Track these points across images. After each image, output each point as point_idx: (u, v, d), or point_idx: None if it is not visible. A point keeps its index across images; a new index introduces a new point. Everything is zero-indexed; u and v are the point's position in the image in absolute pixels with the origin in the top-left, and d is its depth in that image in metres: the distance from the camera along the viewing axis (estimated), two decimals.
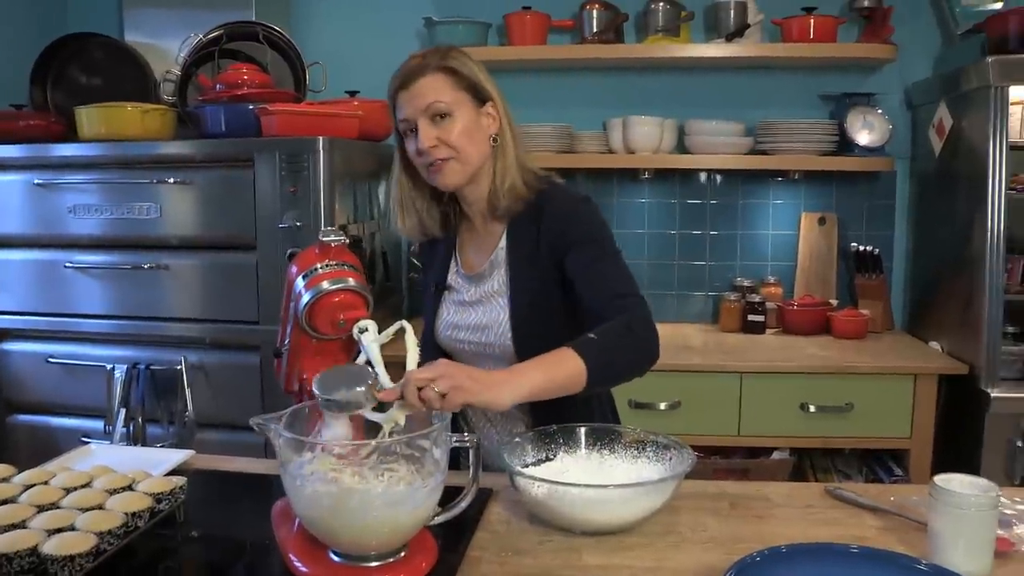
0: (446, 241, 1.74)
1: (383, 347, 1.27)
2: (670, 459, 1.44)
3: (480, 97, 1.57)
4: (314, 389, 1.19)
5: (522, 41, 3.00)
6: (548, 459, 1.51)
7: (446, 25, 3.02)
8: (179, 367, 2.56)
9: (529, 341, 1.55)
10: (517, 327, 1.59)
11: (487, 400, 1.28)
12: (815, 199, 3.15)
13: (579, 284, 1.54)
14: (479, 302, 1.66)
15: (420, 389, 1.21)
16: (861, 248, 3.03)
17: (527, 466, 1.45)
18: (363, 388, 1.19)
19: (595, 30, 3.00)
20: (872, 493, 1.47)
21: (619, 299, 1.50)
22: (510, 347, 1.59)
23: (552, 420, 1.54)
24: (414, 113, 1.53)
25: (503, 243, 1.64)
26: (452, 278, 1.72)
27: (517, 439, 1.49)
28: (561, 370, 1.36)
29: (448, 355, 1.69)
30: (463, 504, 1.22)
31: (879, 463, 2.70)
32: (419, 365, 1.29)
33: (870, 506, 1.41)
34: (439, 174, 1.55)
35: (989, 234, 2.46)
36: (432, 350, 1.69)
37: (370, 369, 1.25)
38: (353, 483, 1.15)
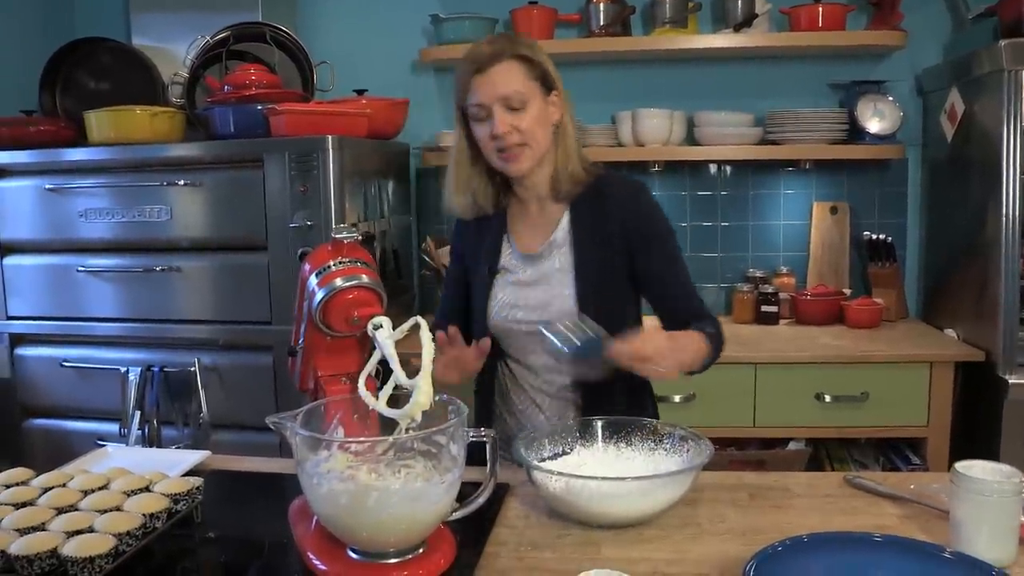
0: (495, 227, 1.76)
1: (397, 343, 1.26)
2: (687, 451, 1.44)
3: (547, 85, 1.64)
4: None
5: (528, 36, 2.98)
6: (565, 453, 1.50)
7: (453, 21, 3.02)
8: (193, 369, 2.56)
9: (593, 318, 1.60)
10: (583, 303, 1.64)
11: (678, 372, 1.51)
12: (826, 188, 3.13)
13: (657, 281, 1.68)
14: (538, 281, 1.69)
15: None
16: (874, 237, 3.01)
17: (544, 460, 1.45)
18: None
19: (602, 23, 2.99)
20: (891, 482, 1.46)
21: (698, 303, 1.69)
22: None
23: (602, 405, 1.63)
24: (490, 99, 1.59)
25: (565, 224, 1.69)
26: (506, 260, 1.75)
27: (534, 433, 1.49)
28: (702, 352, 1.58)
29: (498, 338, 1.74)
30: (481, 499, 1.21)
31: (896, 452, 2.68)
32: (433, 360, 1.28)
33: (890, 495, 1.40)
34: (513, 162, 1.63)
35: (1004, 219, 2.44)
36: (482, 334, 1.71)
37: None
38: (370, 480, 1.15)
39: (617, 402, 1.64)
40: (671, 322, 1.65)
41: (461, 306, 1.83)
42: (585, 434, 1.52)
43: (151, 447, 2.56)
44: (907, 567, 1.04)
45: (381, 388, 1.24)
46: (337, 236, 1.29)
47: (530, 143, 1.61)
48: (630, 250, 1.66)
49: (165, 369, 2.61)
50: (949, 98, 2.74)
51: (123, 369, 2.63)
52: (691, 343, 1.57)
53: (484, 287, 1.74)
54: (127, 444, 2.54)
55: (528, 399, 1.76)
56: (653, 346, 1.48)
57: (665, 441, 1.48)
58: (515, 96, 1.58)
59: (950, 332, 2.76)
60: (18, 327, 2.78)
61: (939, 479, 1.40)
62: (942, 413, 2.53)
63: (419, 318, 1.24)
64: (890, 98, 2.90)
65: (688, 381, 2.53)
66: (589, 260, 1.66)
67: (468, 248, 1.82)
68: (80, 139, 2.78)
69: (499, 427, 1.78)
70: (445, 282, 1.90)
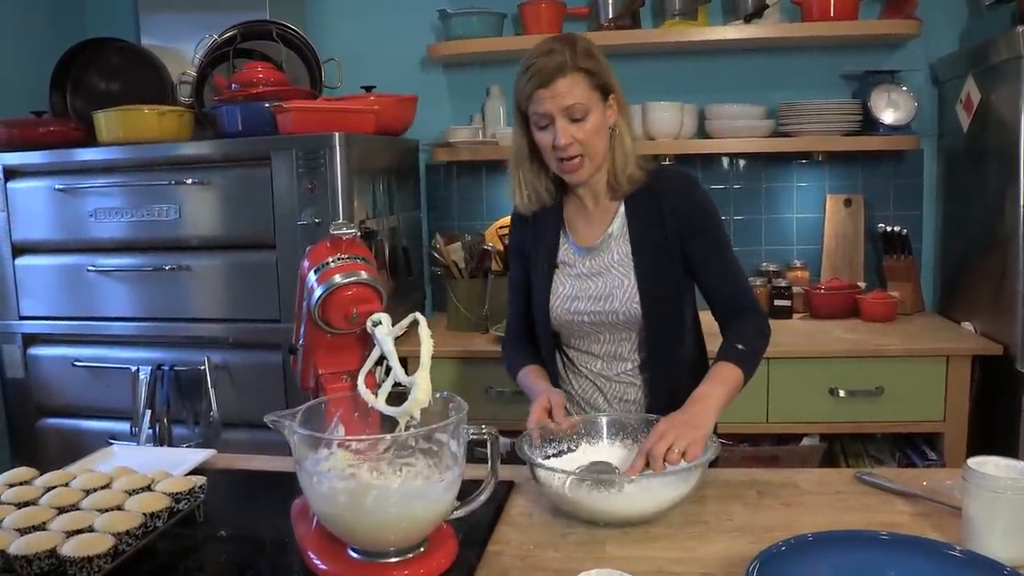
0: (552, 222, 1.80)
1: (397, 340, 1.25)
2: None
3: (606, 92, 1.67)
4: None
5: (537, 30, 2.96)
6: (570, 450, 1.49)
7: (461, 17, 3.00)
8: (203, 367, 2.56)
9: (655, 305, 1.69)
10: (644, 292, 1.69)
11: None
12: (840, 180, 3.09)
13: (707, 271, 1.71)
14: (598, 273, 1.74)
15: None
16: (888, 229, 2.97)
17: (548, 457, 1.43)
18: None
19: (611, 16, 2.97)
20: (904, 478, 1.44)
21: (745, 292, 1.72)
22: (636, 311, 1.70)
23: (666, 386, 1.71)
24: (553, 110, 1.62)
25: (621, 217, 1.74)
26: (564, 254, 1.79)
27: (539, 429, 1.47)
28: (734, 386, 1.58)
29: (558, 330, 1.80)
30: (482, 498, 1.20)
31: (912, 447, 2.64)
32: (433, 356, 1.27)
33: (902, 491, 1.38)
34: (573, 173, 1.68)
35: (1022, 209, 2.39)
36: (544, 326, 1.78)
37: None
38: (370, 479, 1.14)
39: (681, 384, 1.65)
40: (717, 312, 1.72)
41: (530, 308, 1.86)
42: (590, 431, 1.50)
43: (162, 446, 2.56)
44: (917, 566, 1.02)
45: (381, 385, 1.23)
46: (336, 232, 1.28)
47: (589, 153, 1.66)
48: (681, 238, 1.69)
49: (175, 368, 2.61)
50: (965, 87, 2.70)
51: (134, 368, 2.63)
52: (720, 402, 1.53)
53: (544, 281, 1.78)
54: (138, 443, 2.55)
55: (589, 383, 1.81)
56: (667, 438, 1.40)
57: None
58: (577, 107, 1.62)
59: (967, 325, 2.71)
60: (31, 327, 2.79)
61: (953, 475, 1.37)
62: (959, 408, 2.49)
63: (418, 314, 1.23)
64: (904, 88, 2.86)
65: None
66: (646, 250, 1.70)
67: (528, 244, 1.85)
68: (90, 139, 2.78)
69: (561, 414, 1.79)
70: (510, 286, 1.92)
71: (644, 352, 1.74)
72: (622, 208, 1.74)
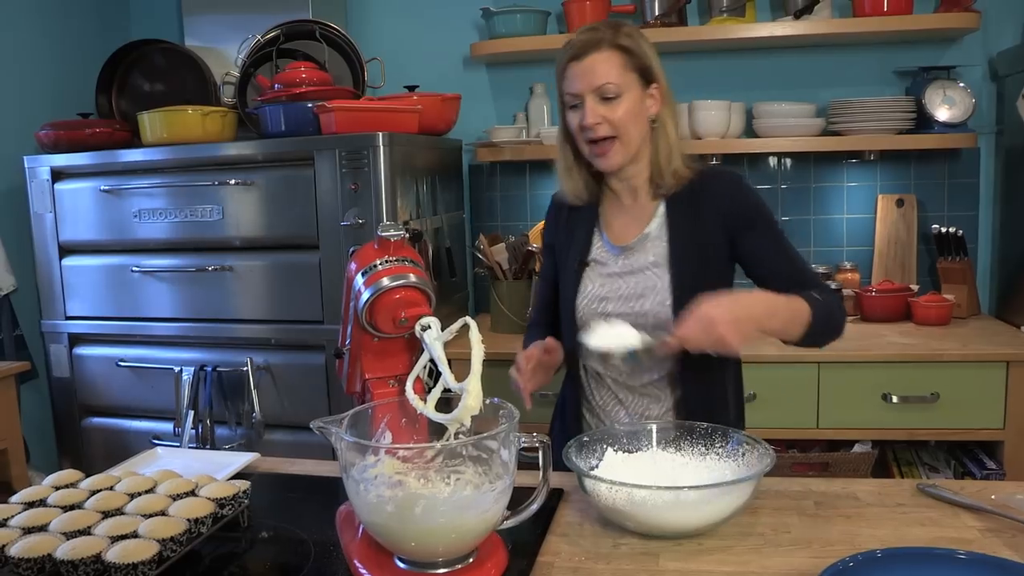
0: (587, 219, 1.73)
1: (446, 344, 1.22)
2: (742, 455, 1.37)
3: (647, 78, 1.59)
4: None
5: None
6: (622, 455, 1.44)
7: (504, 15, 2.97)
8: (245, 368, 2.56)
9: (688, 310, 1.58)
10: (678, 296, 1.60)
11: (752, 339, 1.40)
12: (892, 180, 3.01)
13: (765, 261, 1.62)
14: (631, 273, 1.66)
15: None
16: (943, 230, 2.89)
17: (594, 468, 1.39)
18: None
19: (657, 14, 2.92)
20: (970, 491, 1.37)
21: (812, 276, 1.62)
22: (668, 315, 1.60)
23: (688, 399, 1.63)
24: (583, 89, 1.56)
25: (660, 217, 1.65)
26: (597, 252, 1.72)
27: (586, 437, 1.43)
28: (798, 313, 1.48)
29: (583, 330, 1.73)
30: (534, 507, 1.16)
31: (969, 455, 2.56)
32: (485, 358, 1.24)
33: (969, 505, 1.32)
34: (603, 157, 1.60)
35: None
36: (569, 325, 1.71)
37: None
38: (418, 487, 1.11)
39: (713, 405, 1.60)
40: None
41: (556, 301, 1.80)
42: (632, 439, 1.45)
43: (204, 446, 2.56)
44: None
45: (430, 391, 1.20)
46: (383, 234, 1.25)
47: (621, 137, 1.57)
48: (731, 237, 1.61)
49: (218, 369, 2.61)
50: None
51: (177, 368, 2.64)
52: (771, 302, 1.47)
53: (573, 278, 1.72)
54: (181, 443, 2.55)
55: (611, 395, 1.72)
56: (711, 315, 1.38)
57: (717, 445, 1.41)
58: (609, 87, 1.54)
59: None
60: (77, 327, 2.81)
61: (1022, 488, 1.31)
62: (1020, 415, 2.40)
63: (468, 319, 1.19)
64: (961, 84, 2.77)
65: (751, 380, 2.48)
66: (685, 254, 1.62)
67: (559, 240, 1.80)
68: (135, 140, 2.80)
69: (583, 428, 1.75)
70: (540, 277, 1.89)
71: (674, 362, 1.63)
72: (662, 207, 1.65)
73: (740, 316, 1.39)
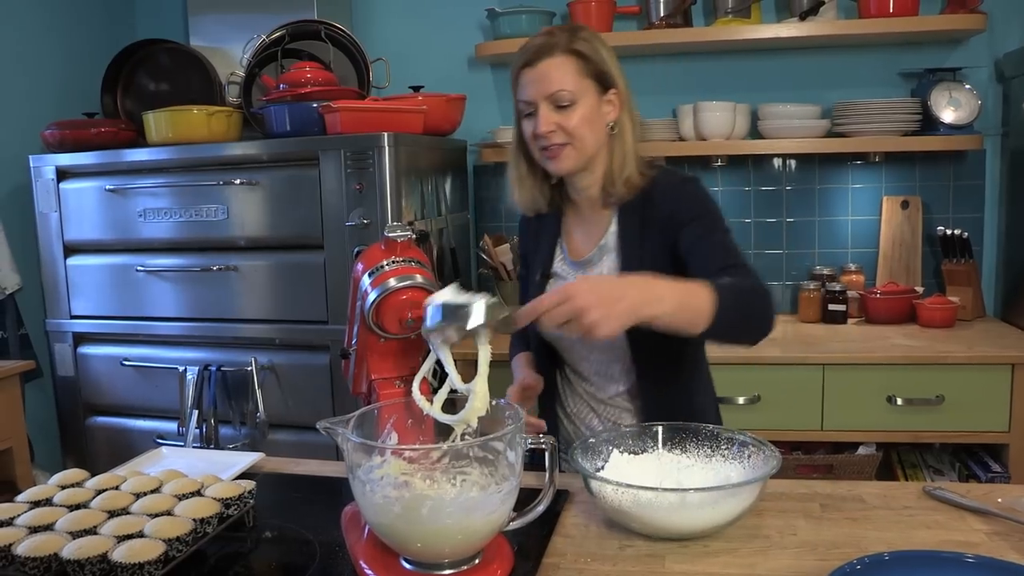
0: (551, 230, 1.70)
1: (453, 345, 1.22)
2: (748, 457, 1.36)
3: (604, 83, 1.54)
4: (428, 301, 1.14)
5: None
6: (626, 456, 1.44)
7: (509, 16, 2.97)
8: (249, 368, 2.56)
9: (640, 328, 1.45)
10: None
11: (620, 322, 1.20)
12: (897, 182, 3.01)
13: (691, 257, 1.50)
14: None
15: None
16: (948, 232, 2.88)
17: (599, 469, 1.38)
18: (487, 300, 1.11)
19: (662, 14, 2.92)
20: (976, 494, 1.37)
21: (735, 268, 1.44)
22: (622, 335, 1.52)
23: (659, 413, 1.53)
24: (536, 96, 1.51)
25: (613, 228, 1.60)
26: (558, 266, 1.69)
27: (591, 439, 1.43)
28: (694, 301, 1.29)
29: (552, 345, 1.69)
30: (540, 508, 1.16)
31: (974, 458, 2.56)
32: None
33: (976, 508, 1.31)
34: (554, 160, 1.54)
35: None
36: (536, 340, 1.69)
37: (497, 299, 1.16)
38: (424, 488, 1.11)
39: (675, 410, 1.55)
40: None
41: None
42: (637, 440, 1.45)
43: (208, 446, 2.57)
44: None
45: (436, 392, 1.20)
46: (390, 235, 1.25)
47: (575, 143, 1.52)
48: (675, 239, 1.52)
49: (222, 368, 2.61)
50: None
51: (181, 368, 2.64)
52: (655, 286, 1.26)
53: (537, 291, 1.68)
54: (185, 443, 2.56)
55: (584, 404, 1.71)
56: (573, 290, 1.19)
57: (723, 447, 1.41)
58: (563, 94, 1.49)
59: None
60: (81, 326, 2.82)
61: None
62: None
63: None
64: (967, 86, 2.77)
65: (754, 382, 2.49)
66: (635, 265, 1.55)
67: (528, 249, 1.77)
68: (140, 140, 2.81)
69: (560, 432, 1.74)
70: (520, 288, 1.84)
71: (634, 375, 1.61)
72: (616, 218, 1.60)
73: (608, 297, 1.20)
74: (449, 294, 1.15)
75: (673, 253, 1.53)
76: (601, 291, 1.21)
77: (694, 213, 1.52)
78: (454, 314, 1.12)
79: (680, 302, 1.28)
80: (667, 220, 1.53)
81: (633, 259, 1.56)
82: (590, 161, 1.56)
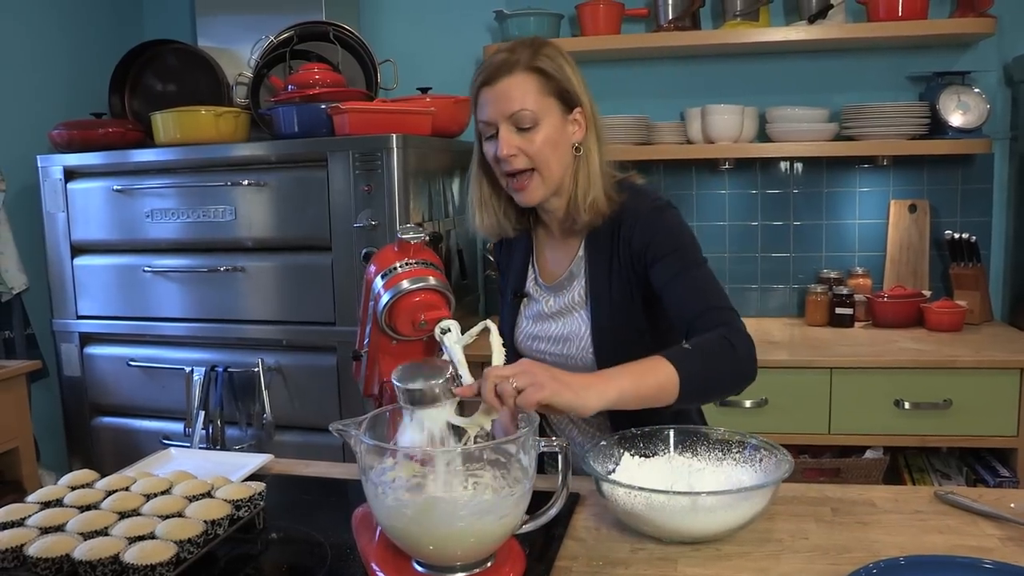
0: (523, 247, 1.67)
1: (466, 348, 1.22)
2: (759, 461, 1.36)
3: (569, 102, 1.47)
4: (392, 378, 1.14)
5: (595, 31, 2.93)
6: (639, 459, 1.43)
7: (517, 18, 2.97)
8: (256, 369, 2.56)
9: (611, 354, 1.45)
10: (598, 340, 1.52)
11: (568, 402, 1.16)
12: (905, 185, 3.00)
13: (667, 296, 1.45)
14: (559, 313, 1.59)
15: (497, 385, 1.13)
16: (956, 236, 2.88)
17: (611, 472, 1.38)
18: (441, 380, 1.13)
19: (670, 17, 2.91)
20: (988, 499, 1.36)
21: (714, 311, 1.40)
22: (592, 360, 1.52)
23: (633, 425, 1.46)
24: (496, 116, 1.43)
25: (581, 252, 1.56)
26: (531, 286, 1.65)
27: (603, 442, 1.43)
28: (652, 379, 1.26)
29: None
30: (552, 512, 1.16)
31: (981, 463, 2.55)
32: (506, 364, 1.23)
33: (988, 513, 1.31)
34: (522, 192, 1.48)
35: None
36: (513, 355, 1.64)
37: (451, 366, 1.18)
38: (437, 491, 1.10)
39: (649, 423, 1.47)
40: (686, 333, 1.42)
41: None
42: (649, 444, 1.44)
43: (215, 447, 2.56)
44: None
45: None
46: (403, 237, 1.25)
47: (540, 168, 1.44)
48: (644, 274, 1.48)
49: (229, 369, 2.61)
50: None
51: (188, 369, 2.64)
52: (618, 374, 1.25)
53: (511, 309, 1.66)
54: (191, 444, 2.55)
55: (567, 421, 1.68)
56: (515, 369, 1.16)
57: (734, 451, 1.40)
58: (524, 114, 1.41)
59: None
60: (88, 326, 2.82)
61: None
62: None
63: (488, 322, 1.19)
64: (976, 90, 2.76)
65: (761, 386, 2.48)
66: (602, 292, 1.51)
67: (503, 262, 1.74)
68: (148, 140, 2.81)
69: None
70: (500, 301, 1.81)
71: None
72: (583, 243, 1.55)
73: (568, 384, 1.18)
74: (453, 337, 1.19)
75: (644, 286, 1.49)
76: (558, 381, 1.17)
77: (668, 248, 1.46)
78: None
79: (635, 384, 1.25)
80: (639, 253, 1.48)
81: (601, 286, 1.52)
82: (558, 186, 1.50)
